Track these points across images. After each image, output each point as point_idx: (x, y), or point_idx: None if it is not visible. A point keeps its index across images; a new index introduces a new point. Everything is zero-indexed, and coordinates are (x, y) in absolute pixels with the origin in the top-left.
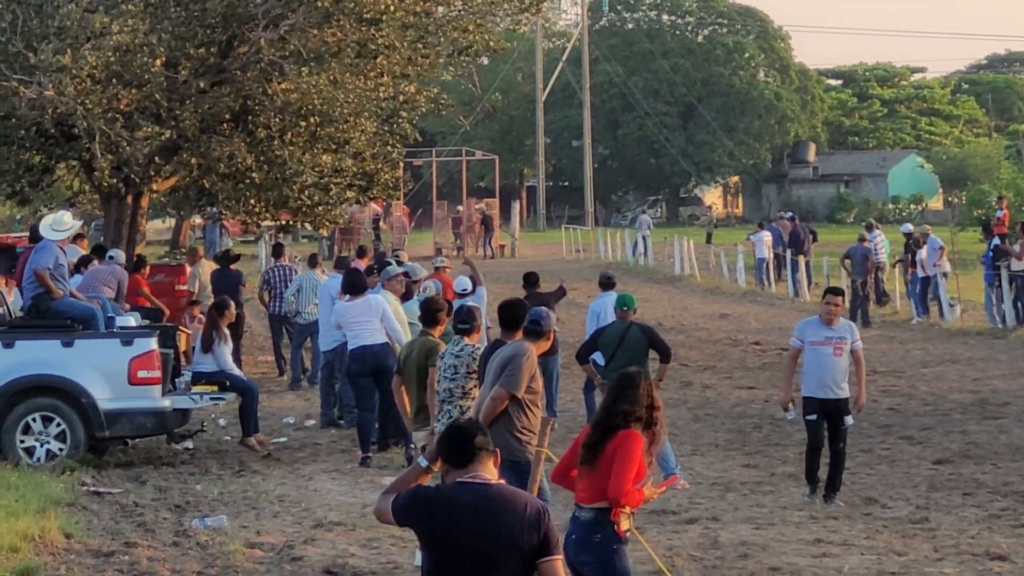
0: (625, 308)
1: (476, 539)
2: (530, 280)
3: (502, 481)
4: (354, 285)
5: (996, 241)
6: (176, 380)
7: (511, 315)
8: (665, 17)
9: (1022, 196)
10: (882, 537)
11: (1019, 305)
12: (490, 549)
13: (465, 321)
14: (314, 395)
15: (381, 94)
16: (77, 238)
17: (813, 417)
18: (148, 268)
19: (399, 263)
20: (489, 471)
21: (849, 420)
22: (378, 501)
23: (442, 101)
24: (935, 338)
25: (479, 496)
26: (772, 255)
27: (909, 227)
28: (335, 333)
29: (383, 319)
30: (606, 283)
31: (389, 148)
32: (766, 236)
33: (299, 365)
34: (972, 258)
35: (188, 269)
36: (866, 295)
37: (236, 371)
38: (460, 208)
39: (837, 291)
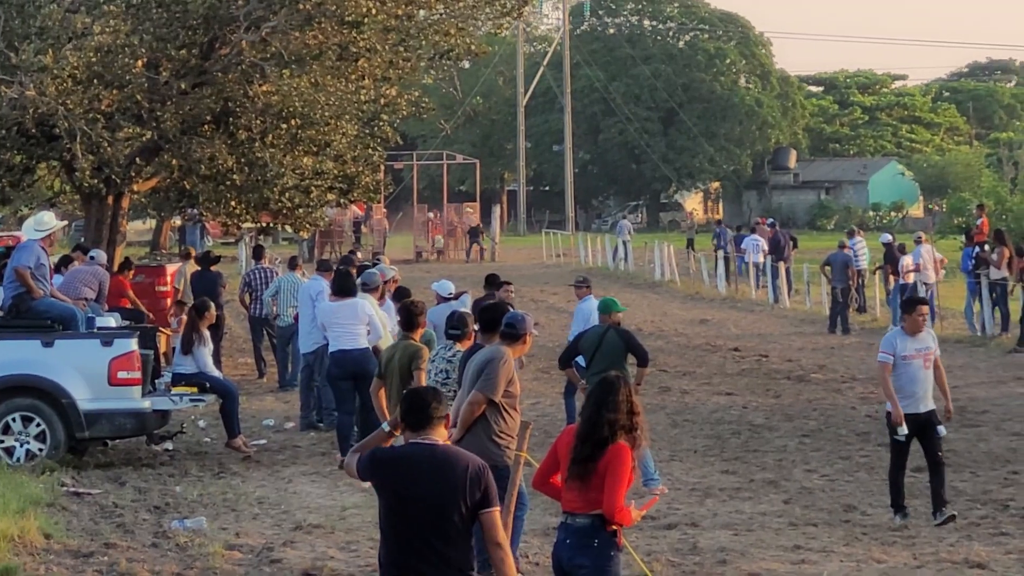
0: (605, 312)
1: (426, 490)
2: (491, 282)
3: (449, 443)
4: (342, 287)
5: (977, 249)
6: (156, 381)
7: (488, 318)
8: (646, 22)
9: (1002, 204)
10: (861, 544)
11: (998, 313)
12: (438, 499)
13: (456, 327)
14: (294, 398)
15: (362, 97)
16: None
17: (903, 436)
18: (133, 270)
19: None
20: (440, 435)
21: (942, 430)
22: (347, 459)
23: (423, 104)
24: None
25: (429, 454)
26: (762, 260)
27: (888, 237)
28: (315, 335)
29: (369, 324)
30: (575, 285)
31: (370, 151)
32: (760, 241)
33: (286, 367)
34: (952, 266)
35: (177, 268)
36: (846, 302)
37: (216, 373)
38: (431, 214)
39: (924, 300)
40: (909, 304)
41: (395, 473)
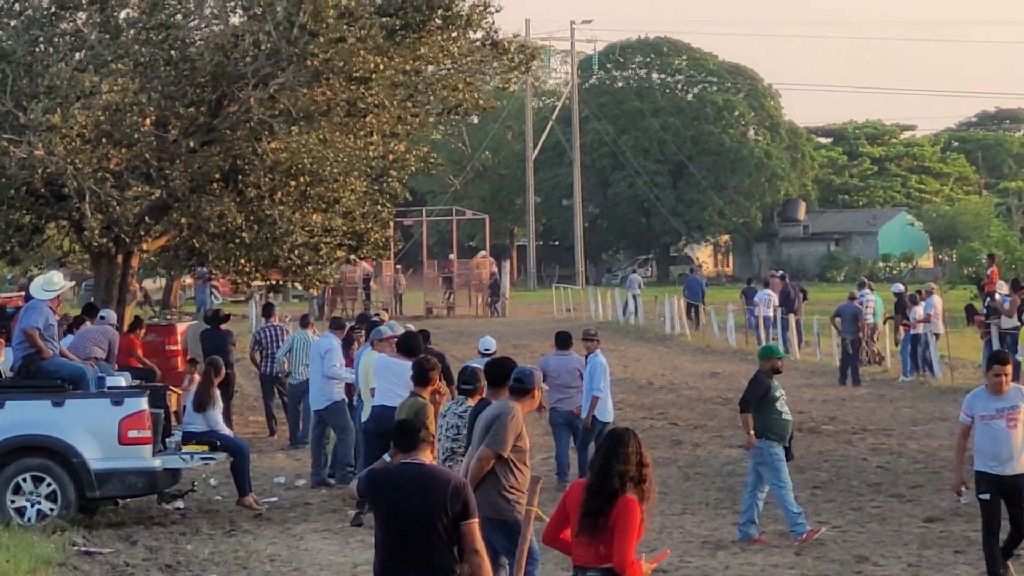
0: (760, 357)
1: (414, 503)
2: (562, 340)
3: (434, 463)
4: (407, 347)
5: (989, 299)
6: (167, 440)
7: (496, 372)
8: (655, 75)
9: (1012, 254)
10: None
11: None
12: (425, 510)
13: (468, 382)
14: (305, 455)
15: (371, 153)
16: None
17: (987, 496)
18: (144, 329)
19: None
20: (426, 456)
21: None
22: (350, 485)
23: (432, 160)
24: (925, 396)
25: (417, 472)
26: (772, 313)
27: (900, 287)
28: (326, 392)
29: None
30: (584, 338)
31: (379, 207)
32: (771, 295)
33: (296, 425)
34: (962, 316)
35: (188, 326)
36: (856, 354)
37: (226, 431)
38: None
39: (1003, 359)
40: (988, 362)
41: (388, 489)
